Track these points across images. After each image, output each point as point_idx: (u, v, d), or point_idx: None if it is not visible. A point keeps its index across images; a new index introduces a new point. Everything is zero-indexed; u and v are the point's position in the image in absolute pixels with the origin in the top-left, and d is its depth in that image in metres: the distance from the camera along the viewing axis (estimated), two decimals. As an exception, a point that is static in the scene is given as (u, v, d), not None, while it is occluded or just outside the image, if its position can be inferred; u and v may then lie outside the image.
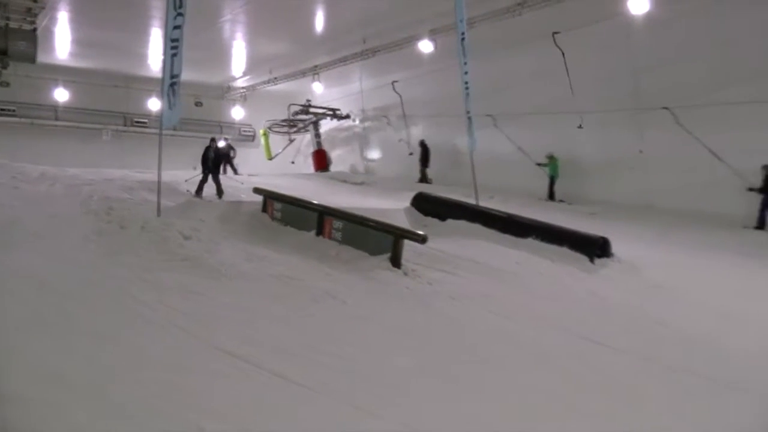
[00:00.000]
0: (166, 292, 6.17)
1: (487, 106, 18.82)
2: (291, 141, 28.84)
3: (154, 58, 22.23)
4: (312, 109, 27.56)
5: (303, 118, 27.86)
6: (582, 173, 18.52)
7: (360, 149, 28.03)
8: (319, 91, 25.27)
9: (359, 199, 15.58)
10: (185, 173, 21.02)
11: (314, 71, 23.48)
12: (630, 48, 16.42)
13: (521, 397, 4.26)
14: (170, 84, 10.29)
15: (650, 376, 5.00)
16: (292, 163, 28.82)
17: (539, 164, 18.91)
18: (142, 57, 23.15)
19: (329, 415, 3.67)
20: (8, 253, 7.06)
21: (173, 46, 10.27)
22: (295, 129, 28.48)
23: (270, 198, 10.80)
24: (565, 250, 9.78)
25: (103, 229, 9.20)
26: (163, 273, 6.97)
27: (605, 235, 10.19)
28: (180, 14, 10.14)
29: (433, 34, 17.70)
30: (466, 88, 13.40)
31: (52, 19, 18.20)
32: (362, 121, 27.47)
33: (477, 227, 10.93)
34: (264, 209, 10.85)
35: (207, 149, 15.59)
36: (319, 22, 19.63)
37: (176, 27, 10.20)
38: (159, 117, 11.05)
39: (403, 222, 10.94)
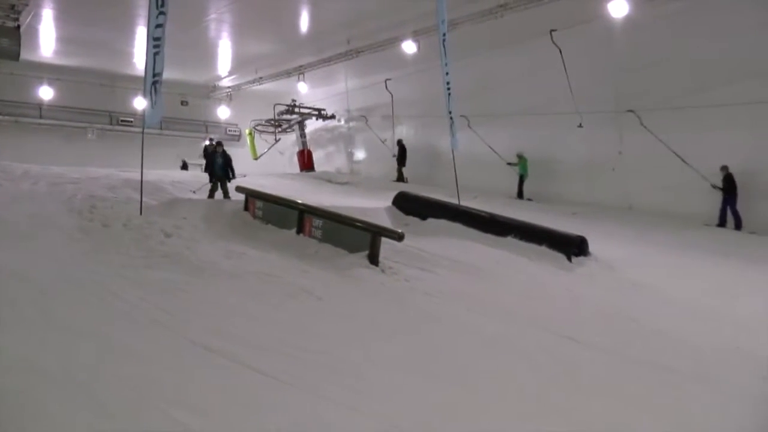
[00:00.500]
0: (146, 289, 6.24)
1: (470, 106, 18.99)
2: (277, 141, 28.88)
3: (140, 57, 22.19)
4: (297, 109, 27.62)
5: (288, 118, 27.92)
6: (564, 174, 18.71)
7: (345, 149, 28.13)
8: (304, 91, 25.40)
9: (343, 199, 15.67)
10: (171, 172, 21.19)
11: (299, 71, 23.58)
12: (610, 50, 16.62)
13: (489, 388, 4.37)
14: (152, 82, 10.35)
15: (617, 369, 5.13)
16: (281, 153, 28.93)
17: (510, 164, 19.26)
18: (127, 55, 23.12)
19: (299, 406, 3.75)
20: (-11, 250, 7.11)
21: (155, 45, 10.33)
22: (280, 129, 28.52)
23: (251, 197, 10.88)
24: (543, 249, 9.93)
25: (85, 227, 9.26)
26: (144, 270, 7.05)
27: (584, 235, 10.36)
28: (162, 13, 10.20)
29: (416, 35, 17.83)
30: (448, 89, 13.51)
31: (36, 17, 18.14)
32: (347, 121, 27.59)
33: (457, 226, 11.05)
34: (246, 208, 10.92)
35: (213, 155, 15.30)
36: (304, 22, 19.75)
37: (158, 25, 10.26)
38: (144, 117, 11.09)
39: (384, 221, 11.03)
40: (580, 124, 16.91)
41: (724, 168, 14.36)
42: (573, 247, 9.87)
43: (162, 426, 3.36)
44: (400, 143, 23.25)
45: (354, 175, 25.98)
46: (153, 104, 10.49)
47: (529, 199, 18.65)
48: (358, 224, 8.51)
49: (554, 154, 18.92)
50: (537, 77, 18.62)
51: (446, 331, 5.74)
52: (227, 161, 15.03)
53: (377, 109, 25.49)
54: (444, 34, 13.18)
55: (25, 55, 18.97)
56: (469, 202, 13.68)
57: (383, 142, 24.81)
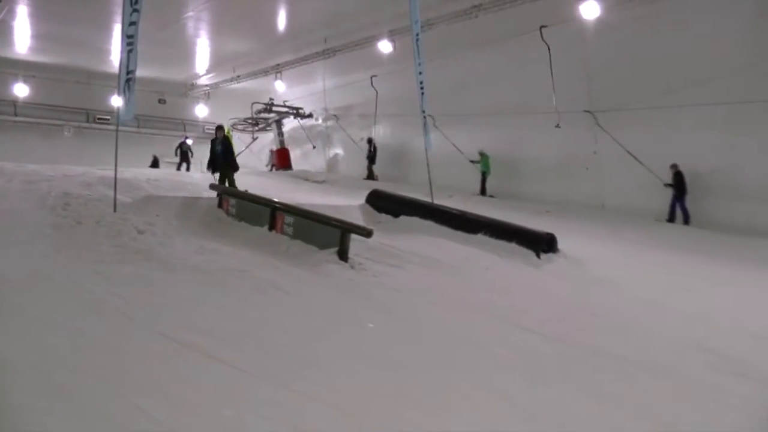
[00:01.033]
0: (116, 283, 6.31)
1: (446, 106, 19.18)
2: (254, 139, 28.95)
3: (117, 54, 22.16)
4: (275, 108, 27.70)
5: (266, 116, 27.99)
6: (539, 173, 18.96)
7: (323, 148, 28.24)
8: (281, 89, 25.51)
9: (318, 197, 15.79)
10: (147, 170, 21.15)
11: (277, 70, 23.70)
12: (583, 51, 16.86)
13: (446, 379, 4.51)
14: (126, 80, 10.39)
15: (573, 359, 5.29)
16: (255, 138, 29.07)
17: (472, 161, 19.57)
18: (104, 53, 23.09)
19: (261, 395, 3.87)
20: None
21: (129, 42, 10.36)
22: (258, 128, 28.58)
23: (225, 194, 10.96)
24: (513, 246, 10.09)
25: (58, 224, 9.27)
26: (115, 265, 7.11)
27: (555, 232, 10.56)
28: (136, 10, 10.22)
29: (392, 35, 18.02)
30: (421, 89, 13.66)
31: (11, 13, 18.11)
32: (325, 120, 27.70)
33: (429, 224, 11.21)
34: (219, 205, 11.00)
35: (213, 142, 14.60)
36: (282, 21, 19.86)
37: (132, 23, 10.29)
38: (118, 114, 11.11)
39: (357, 218, 11.17)
40: (558, 125, 17.17)
41: (674, 166, 14.92)
42: (542, 244, 10.05)
43: (127, 414, 3.46)
44: (370, 141, 23.59)
45: (331, 173, 26.10)
46: (127, 101, 10.54)
47: (492, 196, 19.01)
48: (328, 221, 8.63)
49: (529, 153, 19.19)
50: (513, 77, 18.88)
51: (409, 325, 5.88)
52: (227, 148, 14.27)
53: (355, 108, 25.67)
54: (417, 34, 13.31)
55: (-2, 51, 18.96)
56: (443, 201, 13.86)
57: (357, 142, 25.04)
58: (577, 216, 15.25)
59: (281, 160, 27.92)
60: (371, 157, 23.75)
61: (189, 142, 27.70)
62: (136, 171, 17.90)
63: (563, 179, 18.37)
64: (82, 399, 3.59)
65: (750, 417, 4.49)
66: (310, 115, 27.84)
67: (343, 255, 8.03)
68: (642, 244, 12.08)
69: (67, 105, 27.26)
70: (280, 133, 28.82)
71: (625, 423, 4.12)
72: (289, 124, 29.17)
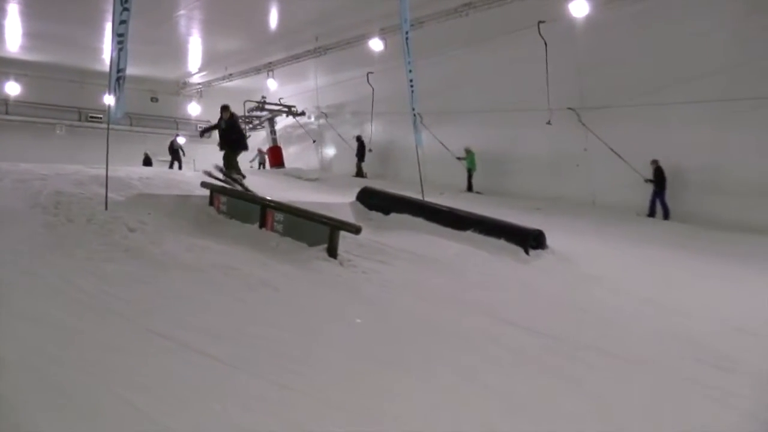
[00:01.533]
0: (107, 281, 6.36)
1: (438, 103, 19.28)
2: (247, 137, 28.91)
3: (109, 53, 22.13)
4: (267, 106, 27.73)
5: (259, 114, 28.02)
6: (530, 170, 19.07)
7: (315, 146, 28.30)
8: (273, 87, 25.56)
9: (310, 195, 15.85)
10: (140, 169, 21.13)
11: (269, 68, 23.74)
12: (573, 50, 16.96)
13: (432, 373, 4.59)
14: (116, 78, 10.43)
15: (558, 354, 5.38)
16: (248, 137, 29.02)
17: (459, 158, 19.73)
18: (96, 51, 23.05)
19: (247, 388, 3.95)
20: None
21: (119, 41, 10.39)
22: (251, 125, 28.60)
23: (216, 192, 11.01)
24: (502, 243, 10.18)
25: (49, 223, 9.29)
26: (106, 263, 7.15)
27: (545, 229, 10.66)
28: (126, 9, 10.25)
29: (383, 33, 18.09)
30: (411, 87, 13.73)
31: (2, 11, 18.10)
32: (317, 118, 27.76)
33: (419, 221, 11.28)
34: (211, 203, 11.05)
35: (218, 123, 13.54)
36: (273, 19, 19.89)
37: (122, 22, 10.31)
38: (109, 112, 11.15)
39: (348, 216, 11.24)
40: (549, 121, 17.28)
41: (655, 161, 15.19)
42: (530, 240, 10.15)
43: (116, 409, 3.53)
44: (359, 139, 23.77)
45: (324, 171, 26.16)
46: (117, 100, 10.58)
47: (478, 192, 19.18)
48: (317, 218, 8.70)
49: (520, 151, 19.29)
50: (504, 75, 18.99)
51: (397, 321, 5.96)
52: (231, 127, 13.17)
53: (347, 106, 25.74)
54: (407, 33, 13.37)
55: (-11, 50, 18.95)
56: (434, 198, 13.93)
57: (347, 141, 25.14)
58: (567, 213, 15.36)
59: (274, 158, 27.96)
60: (360, 155, 23.97)
61: (180, 140, 27.68)
62: (128, 169, 17.87)
63: (554, 176, 18.50)
64: (71, 394, 3.65)
65: (730, 409, 4.57)
66: (302, 113, 27.88)
67: (332, 252, 8.11)
68: (630, 240, 12.20)
69: (60, 103, 27.20)
70: (273, 131, 28.86)
71: (608, 415, 4.21)
72: (282, 122, 29.21)
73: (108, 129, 10.73)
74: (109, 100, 10.77)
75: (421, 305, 6.63)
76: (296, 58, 22.07)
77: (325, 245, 8.20)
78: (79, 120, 27.92)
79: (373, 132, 24.01)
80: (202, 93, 29.78)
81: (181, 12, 18.89)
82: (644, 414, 4.31)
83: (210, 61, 25.52)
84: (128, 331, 4.92)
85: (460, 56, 19.72)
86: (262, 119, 28.55)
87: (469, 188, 19.81)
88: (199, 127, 31.03)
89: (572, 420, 4.09)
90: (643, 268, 9.95)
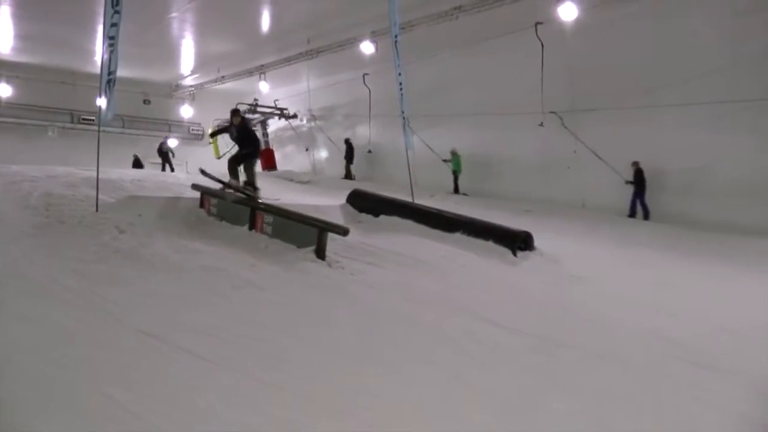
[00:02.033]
0: (96, 281, 6.43)
1: (428, 106, 19.38)
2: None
3: (100, 55, 22.17)
4: (260, 109, 27.79)
5: (251, 117, 28.04)
6: (521, 172, 19.17)
7: (307, 149, 28.35)
8: (265, 90, 25.58)
9: (302, 197, 15.92)
10: (132, 171, 21.18)
11: (261, 70, 23.77)
12: (563, 53, 17.06)
13: (413, 370, 4.67)
14: (107, 80, 10.50)
15: (537, 351, 5.47)
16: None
17: (445, 160, 19.91)
18: (89, 53, 23.01)
19: (229, 385, 4.03)
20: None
21: (110, 44, 10.46)
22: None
23: (206, 194, 11.07)
24: (490, 244, 10.28)
25: (39, 224, 9.36)
26: (95, 264, 7.23)
27: (534, 231, 10.76)
28: (117, 12, 10.32)
29: (374, 36, 18.15)
30: (401, 90, 13.81)
31: (-7, 14, 18.09)
32: (309, 120, 27.83)
33: (409, 223, 11.37)
34: (201, 205, 11.11)
35: (228, 129, 12.18)
36: (265, 22, 19.93)
37: (113, 24, 10.39)
38: (99, 114, 11.20)
39: (338, 218, 11.31)
40: (542, 123, 17.41)
41: (635, 163, 15.44)
42: (518, 241, 10.25)
43: (100, 403, 3.60)
44: (347, 141, 23.99)
45: (316, 174, 26.22)
46: (108, 102, 10.65)
47: (464, 194, 19.38)
48: (306, 220, 8.78)
49: (511, 153, 19.38)
50: (494, 78, 19.11)
51: (380, 320, 6.04)
52: (245, 134, 11.87)
53: (339, 109, 25.85)
54: (396, 36, 13.45)
55: (-20, 51, 18.94)
56: (425, 201, 14.03)
57: (335, 144, 25.35)
58: (557, 215, 15.47)
59: (266, 160, 27.98)
60: (349, 157, 24.21)
61: (170, 143, 27.72)
62: (120, 172, 17.93)
63: (545, 178, 18.59)
64: (56, 389, 3.73)
65: (709, 406, 4.64)
66: (294, 116, 27.95)
67: (320, 253, 8.18)
68: (618, 242, 12.34)
69: (52, 105, 27.13)
70: (265, 134, 28.90)
71: (587, 411, 4.28)
72: (274, 124, 29.26)
73: (99, 131, 10.79)
74: (101, 102, 10.82)
75: (407, 305, 6.71)
76: (288, 60, 22.11)
77: (314, 247, 8.27)
78: (72, 122, 27.84)
79: (365, 134, 24.11)
80: (194, 95, 29.77)
81: (174, 14, 18.91)
82: (623, 410, 4.39)
83: (202, 63, 25.52)
84: (114, 329, 5.00)
85: (450, 59, 19.85)
86: (254, 122, 28.56)
87: (456, 190, 19.98)
88: (194, 129, 31.30)
89: (552, 416, 4.17)
90: (629, 269, 10.08)
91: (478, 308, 6.78)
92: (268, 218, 9.30)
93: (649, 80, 15.38)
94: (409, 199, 13.30)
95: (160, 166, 26.60)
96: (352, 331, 5.56)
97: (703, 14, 14.50)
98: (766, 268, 10.51)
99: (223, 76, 25.71)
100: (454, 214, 11.46)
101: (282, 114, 27.92)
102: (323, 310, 6.22)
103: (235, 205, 10.27)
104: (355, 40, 18.88)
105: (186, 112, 30.31)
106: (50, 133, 27.33)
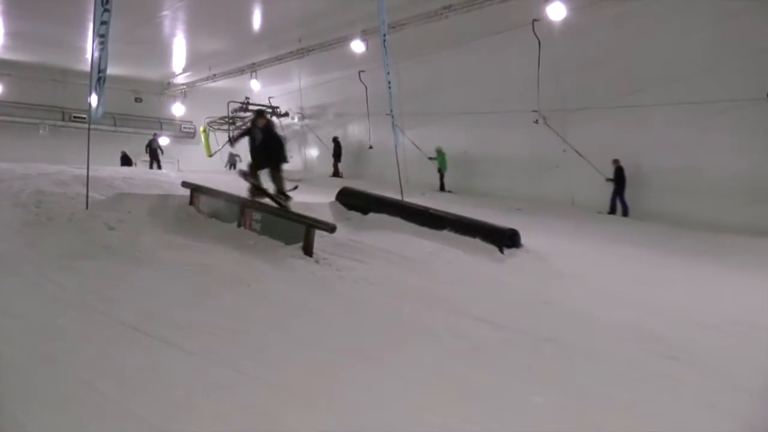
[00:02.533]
0: (84, 277, 6.52)
1: (418, 105, 19.50)
2: (230, 138, 29.02)
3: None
4: (251, 107, 27.84)
5: (242, 115, 28.10)
6: (511, 171, 19.30)
7: (299, 147, 28.44)
8: (256, 88, 25.65)
9: (293, 195, 15.94)
10: (123, 169, 21.19)
11: (252, 69, 23.83)
12: (552, 52, 17.18)
13: (395, 364, 4.76)
14: (97, 79, 10.55)
15: (518, 346, 5.55)
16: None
17: (430, 158, 20.12)
18: (80, 51, 22.98)
19: (212, 377, 4.11)
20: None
21: (101, 41, 10.51)
22: (234, 126, 28.68)
23: (196, 191, 11.14)
24: (477, 242, 10.35)
25: (29, 221, 9.43)
26: (84, 260, 7.30)
27: (523, 229, 10.84)
28: (107, 10, 10.36)
29: (364, 35, 18.23)
30: (389, 88, 13.90)
31: (-17, 12, 18.09)
32: (301, 119, 27.91)
33: (397, 220, 11.43)
34: (191, 202, 11.17)
35: (251, 132, 11.27)
36: (257, 20, 19.98)
37: (103, 23, 10.43)
38: (90, 112, 11.24)
39: (327, 215, 11.39)
40: (537, 120, 17.56)
41: (616, 161, 15.71)
42: (505, 239, 10.32)
43: (82, 393, 3.68)
44: (335, 140, 24.25)
45: (307, 172, 26.31)
46: (98, 100, 10.71)
47: (450, 191, 19.56)
48: (293, 217, 8.87)
49: (501, 152, 19.50)
50: (485, 77, 19.23)
51: (362, 314, 6.13)
52: (271, 137, 11.02)
53: (330, 107, 25.94)
54: (384, 35, 13.54)
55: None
56: (415, 198, 14.12)
57: (330, 142, 25.50)
58: (546, 212, 15.59)
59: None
60: (336, 155, 24.59)
61: (162, 140, 27.76)
62: (111, 169, 17.97)
63: (534, 177, 18.74)
64: (42, 381, 3.81)
65: (680, 397, 4.74)
66: (286, 114, 28.02)
67: (308, 250, 8.26)
68: (604, 239, 12.44)
69: (43, 103, 27.12)
70: (257, 132, 28.98)
71: (563, 404, 4.36)
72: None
73: (89, 129, 10.84)
74: (93, 100, 10.87)
75: (392, 301, 6.79)
76: (279, 59, 22.17)
77: (301, 244, 8.35)
78: (63, 120, 27.80)
79: (356, 133, 24.23)
80: (186, 93, 29.77)
81: (165, 12, 18.94)
82: (601, 403, 4.46)
83: (194, 61, 25.54)
84: (100, 323, 5.08)
85: (440, 58, 19.98)
86: (246, 120, 28.61)
87: (441, 188, 20.21)
88: (186, 127, 31.29)
89: (531, 409, 4.25)
90: (614, 266, 10.17)
91: (463, 304, 6.87)
92: (257, 215, 9.38)
93: (635, 80, 15.53)
94: (398, 197, 13.39)
95: (148, 164, 26.63)
96: (336, 325, 5.65)
97: (689, 15, 14.63)
98: (750, 266, 10.66)
99: (214, 75, 25.75)
100: (442, 212, 11.54)
101: (273, 112, 27.96)
102: (308, 306, 6.30)
103: (224, 203, 10.34)
104: (346, 39, 18.95)
105: (177, 110, 30.31)
106: (41, 131, 27.29)
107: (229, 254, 8.17)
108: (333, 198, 13.15)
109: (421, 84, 20.09)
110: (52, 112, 27.58)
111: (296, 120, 28.17)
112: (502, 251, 10.18)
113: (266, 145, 10.82)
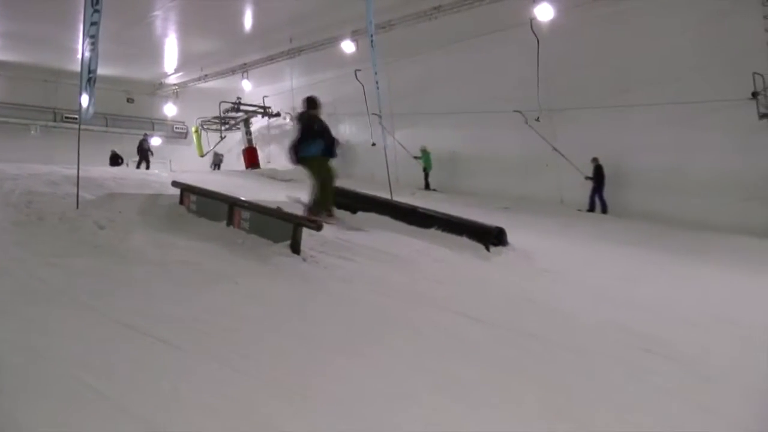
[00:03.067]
0: (73, 275, 6.58)
1: (408, 105, 19.64)
2: (222, 138, 29.15)
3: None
4: (243, 107, 27.96)
5: (234, 115, 28.20)
6: (501, 170, 19.46)
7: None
8: (248, 88, 25.82)
9: (283, 194, 16.03)
10: (114, 169, 21.26)
11: (244, 69, 23.96)
12: (541, 52, 17.34)
13: (379, 359, 4.84)
14: (88, 79, 10.62)
15: (501, 341, 5.64)
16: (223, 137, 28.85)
17: (415, 157, 20.35)
18: (72, 51, 22.99)
19: (196, 370, 4.20)
20: None
21: (91, 42, 10.58)
22: (226, 126, 28.79)
23: (186, 191, 11.22)
24: (464, 240, 10.47)
25: (19, 221, 9.47)
26: (73, 258, 7.36)
27: (509, 227, 10.96)
28: (97, 11, 10.43)
29: (355, 35, 18.37)
30: (377, 88, 14.02)
31: (-26, 13, 18.12)
32: (292, 119, 27.97)
33: (385, 219, 11.55)
34: (181, 201, 11.25)
35: (310, 122, 10.66)
36: (248, 20, 20.11)
37: (93, 23, 10.51)
38: (80, 112, 11.31)
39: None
40: (538, 118, 17.75)
41: (595, 159, 15.96)
42: (491, 237, 10.44)
43: (71, 387, 3.77)
44: None
45: (299, 172, 26.31)
46: (89, 100, 10.79)
47: (434, 190, 19.84)
48: (281, 216, 8.96)
49: (491, 151, 19.68)
50: (475, 76, 19.40)
51: (351, 311, 6.21)
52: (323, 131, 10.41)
53: (323, 107, 25.95)
54: (372, 36, 13.65)
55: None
56: (406, 198, 14.24)
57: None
58: (534, 211, 15.77)
59: (249, 159, 28.15)
60: None
61: (154, 141, 27.80)
62: (103, 170, 18.05)
63: (524, 176, 18.96)
64: (26, 374, 3.90)
65: (658, 390, 4.85)
66: (277, 114, 28.11)
67: (295, 248, 8.33)
68: (591, 237, 12.65)
69: (34, 104, 27.15)
70: (248, 132, 29.05)
71: (544, 397, 4.45)
72: (258, 123, 29.41)
73: (79, 129, 10.91)
74: (84, 100, 10.95)
75: (377, 298, 6.89)
76: (271, 59, 22.34)
77: (289, 242, 8.43)
78: (54, 120, 27.82)
79: (347, 132, 24.32)
80: (178, 94, 29.85)
81: (157, 13, 19.05)
82: (574, 395, 4.57)
83: (185, 61, 25.64)
84: (88, 319, 5.14)
85: (430, 58, 20.13)
86: (238, 120, 28.72)
87: (427, 186, 20.46)
88: (177, 128, 31.34)
89: (511, 401, 4.33)
90: (600, 263, 10.33)
91: (448, 301, 6.96)
92: (246, 214, 9.45)
93: (621, 80, 15.76)
94: (387, 196, 13.50)
95: (136, 163, 26.68)
96: (321, 321, 5.73)
97: (675, 17, 14.82)
98: (734, 263, 10.85)
99: (206, 75, 25.87)
100: (430, 210, 11.68)
101: (265, 112, 28.08)
102: (295, 302, 6.39)
103: (214, 202, 10.42)
104: (337, 39, 19.09)
105: (170, 110, 30.40)
106: (32, 132, 27.31)
107: (218, 252, 8.25)
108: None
109: (412, 84, 20.24)
110: (44, 112, 27.60)
111: (288, 120, 28.24)
112: (488, 249, 10.29)
113: (323, 140, 10.54)
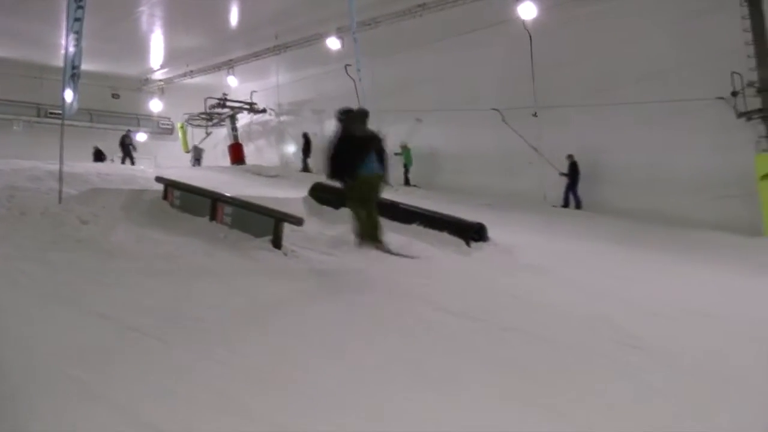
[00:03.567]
0: (55, 268, 6.65)
1: (393, 102, 19.71)
2: (208, 134, 29.16)
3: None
4: (229, 103, 27.97)
5: (220, 111, 28.21)
6: (483, 167, 19.62)
7: (275, 143, 28.63)
8: (233, 84, 25.84)
9: (268, 190, 16.14)
10: (98, 165, 21.23)
11: (229, 65, 23.99)
12: (526, 50, 17.50)
13: (358, 353, 4.90)
14: (71, 75, 10.65)
15: (481, 334, 5.71)
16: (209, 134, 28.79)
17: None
18: (56, 47, 22.80)
19: (179, 362, 4.27)
20: None
21: (75, 38, 10.61)
22: (212, 122, 28.79)
23: (170, 186, 11.27)
24: (444, 235, 10.57)
25: (1, 216, 9.52)
26: (55, 253, 7.41)
27: (490, 223, 11.07)
28: (80, 7, 10.46)
29: (339, 32, 18.46)
30: (356, 87, 14.15)
31: (-44, 7, 18.05)
32: (278, 115, 28.07)
33: (367, 214, 11.64)
34: (165, 197, 11.30)
35: (352, 130, 9.48)
36: (233, 16, 20.15)
37: (77, 19, 10.53)
38: (64, 108, 11.33)
39: (299, 210, 11.55)
40: (535, 114, 17.91)
41: (570, 156, 16.21)
42: (471, 232, 10.56)
43: (50, 375, 3.85)
44: (305, 136, 24.66)
45: (284, 168, 26.45)
46: (73, 96, 10.81)
47: (415, 185, 20.02)
48: (263, 211, 9.04)
49: (475, 148, 19.83)
50: (459, 74, 19.52)
51: (327, 305, 6.29)
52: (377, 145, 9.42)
53: (308, 104, 26.11)
54: (354, 33, 13.75)
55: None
56: (389, 194, 14.28)
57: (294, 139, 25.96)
58: (516, 208, 15.91)
59: (235, 155, 28.17)
60: (306, 151, 25.06)
61: (138, 137, 27.75)
62: (87, 165, 18.04)
63: (507, 173, 19.11)
64: (15, 370, 3.97)
65: (633, 381, 4.94)
66: (263, 111, 28.16)
67: (276, 243, 8.42)
68: (571, 233, 12.78)
69: (17, 99, 27.00)
70: (234, 129, 29.07)
71: (520, 388, 4.52)
72: (243, 119, 29.42)
73: (63, 124, 10.94)
74: (68, 96, 10.97)
75: (357, 292, 6.98)
76: (256, 55, 22.40)
77: (270, 237, 8.52)
78: (38, 116, 27.68)
79: (331, 128, 24.42)
80: (163, 89, 29.81)
81: (142, 8, 19.05)
82: (552, 386, 4.63)
83: (171, 57, 25.63)
84: (69, 312, 5.20)
85: (415, 56, 20.23)
86: (223, 116, 28.72)
87: (406, 182, 20.69)
88: (163, 123, 31.29)
89: (489, 392, 4.41)
90: (579, 259, 10.45)
91: (428, 295, 7.02)
92: (228, 209, 9.54)
93: (602, 79, 15.93)
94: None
95: (121, 159, 26.62)
96: (300, 315, 5.82)
97: (654, 16, 15.02)
98: (715, 259, 11.03)
99: (191, 71, 25.85)
100: (411, 206, 11.79)
101: (252, 109, 28.11)
102: (274, 296, 6.47)
103: (197, 197, 10.49)
104: (322, 36, 19.17)
105: (155, 106, 30.33)
106: (15, 127, 27.17)
107: (199, 247, 8.31)
108: (306, 193, 13.33)
109: (396, 82, 20.33)
110: (28, 108, 27.45)
111: (274, 116, 28.32)
112: (468, 244, 10.41)
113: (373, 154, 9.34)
